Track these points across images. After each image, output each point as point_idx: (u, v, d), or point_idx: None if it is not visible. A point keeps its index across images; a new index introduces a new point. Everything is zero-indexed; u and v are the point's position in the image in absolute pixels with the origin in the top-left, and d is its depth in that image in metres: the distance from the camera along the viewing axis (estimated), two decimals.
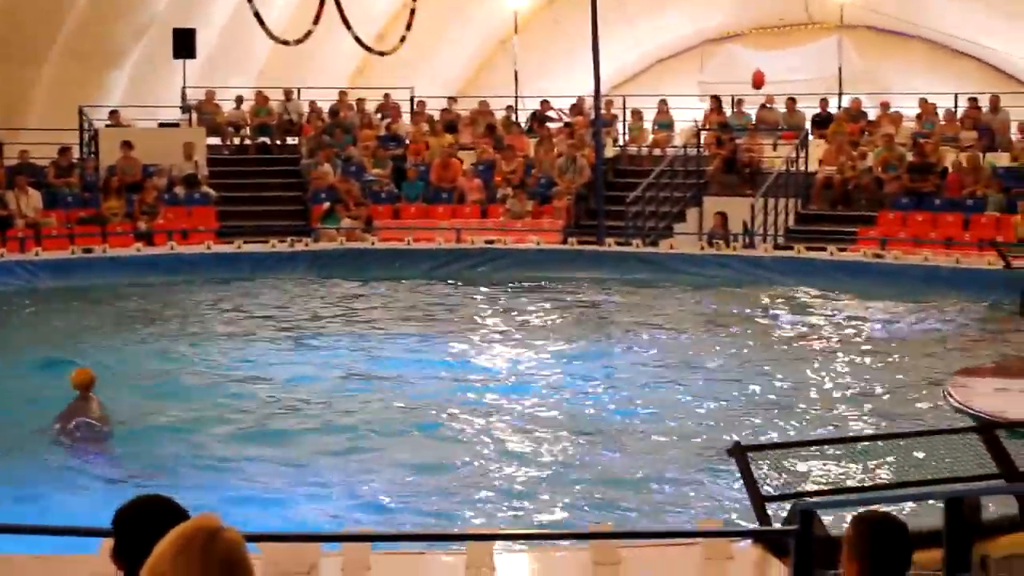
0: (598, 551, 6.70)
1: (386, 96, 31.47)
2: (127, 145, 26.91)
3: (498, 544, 6.89)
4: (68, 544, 6.61)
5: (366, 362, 15.43)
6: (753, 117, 29.97)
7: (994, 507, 7.11)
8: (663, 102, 30.92)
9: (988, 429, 7.89)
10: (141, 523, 4.10)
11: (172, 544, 2.95)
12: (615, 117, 30.88)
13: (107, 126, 28.62)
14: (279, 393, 13.66)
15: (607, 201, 25.81)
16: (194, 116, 30.07)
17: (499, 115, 31.05)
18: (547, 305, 20.56)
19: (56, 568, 6.36)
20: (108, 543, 5.37)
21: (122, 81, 31.72)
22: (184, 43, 29.74)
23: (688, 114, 31.32)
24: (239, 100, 30.75)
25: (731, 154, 27.55)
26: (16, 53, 28.09)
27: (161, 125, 29.69)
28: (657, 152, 29.16)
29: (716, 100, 30.46)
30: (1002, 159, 25.88)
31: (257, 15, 17.82)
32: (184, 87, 30.55)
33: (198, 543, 2.94)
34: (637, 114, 30.68)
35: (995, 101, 27.62)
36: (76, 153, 27.71)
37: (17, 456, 11.05)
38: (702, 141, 28.39)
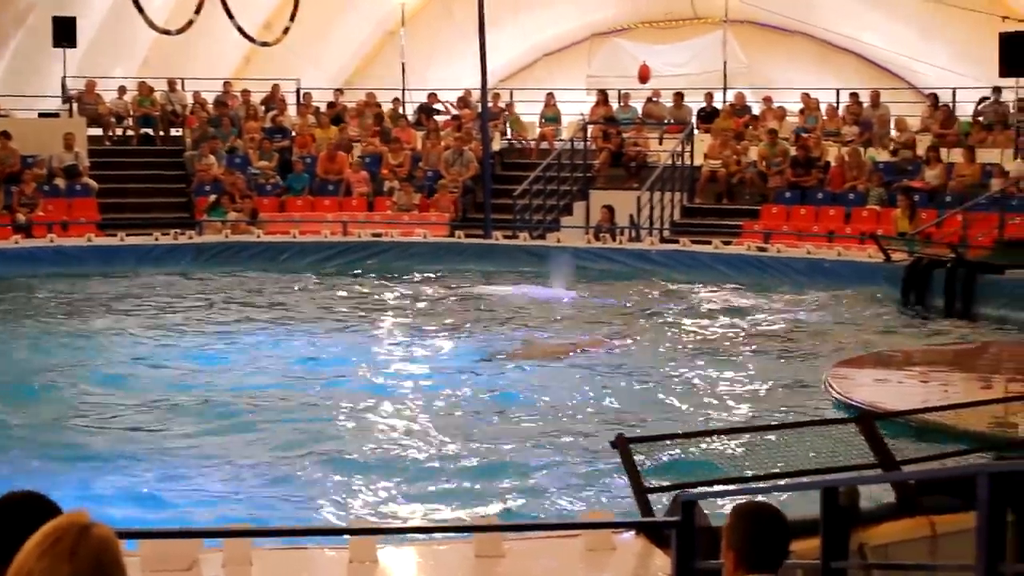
0: (481, 544, 6.70)
1: (273, 88, 31.19)
2: (5, 135, 26.39)
3: (381, 538, 6.86)
4: None
5: (248, 355, 15.28)
6: (639, 111, 30.15)
7: (872, 496, 7.21)
8: (550, 95, 31.01)
9: (866, 419, 8.00)
10: (9, 521, 4.00)
11: (39, 543, 2.88)
12: (502, 110, 30.88)
13: None
14: (156, 388, 13.46)
15: (494, 194, 25.83)
16: (75, 106, 29.57)
17: (386, 107, 30.94)
18: (433, 298, 20.53)
19: None
20: None
21: (0, 69, 31.11)
22: (64, 31, 29.22)
23: (575, 107, 31.45)
24: (122, 90, 30.29)
25: (617, 148, 27.74)
26: None
27: (41, 115, 29.15)
28: (544, 145, 29.24)
29: (603, 94, 30.59)
30: (882, 154, 26.32)
31: (137, 3, 17.54)
32: (64, 76, 30.02)
33: (67, 541, 2.87)
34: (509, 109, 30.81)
35: (875, 96, 28.07)
36: None
37: None
38: (589, 135, 28.51)
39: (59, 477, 9.57)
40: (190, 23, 23.13)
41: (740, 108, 29.62)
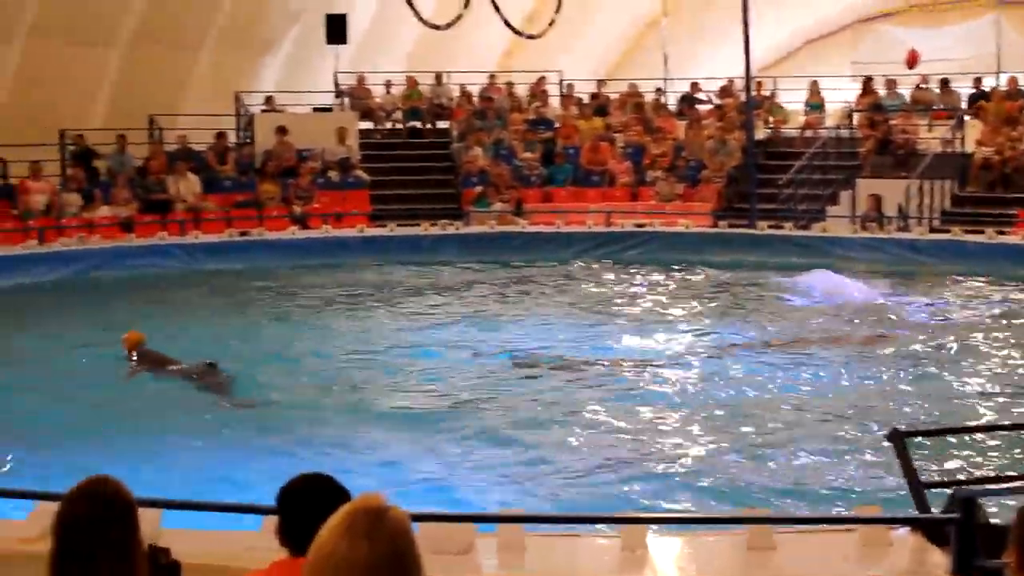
0: (753, 536, 6.67)
1: (538, 80, 31.51)
2: (282, 130, 27.35)
3: (652, 527, 6.90)
4: (227, 520, 6.75)
5: (518, 345, 15.47)
6: (907, 97, 29.40)
7: None
8: (814, 83, 30.53)
9: None
10: (306, 502, 4.20)
11: (339, 523, 2.98)
12: (766, 98, 30.52)
13: (262, 111, 29.13)
14: (431, 375, 13.78)
15: (758, 184, 25.55)
16: (347, 101, 30.45)
17: (648, 97, 30.93)
18: (697, 288, 20.46)
19: (219, 543, 6.51)
20: (271, 521, 5.52)
21: (276, 67, 32.26)
22: (336, 29, 30.12)
23: (839, 95, 30.87)
24: (389, 84, 31.06)
25: (885, 135, 27.08)
26: (174, 39, 28.70)
27: (315, 110, 30.10)
28: (808, 134, 28.77)
29: (869, 80, 29.95)
30: None
31: (408, 0, 17.96)
32: (336, 72, 30.95)
33: (366, 522, 2.97)
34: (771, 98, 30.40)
35: None
36: (232, 138, 28.23)
37: (178, 432, 11.34)
38: (855, 122, 27.94)
39: (336, 459, 9.89)
40: (459, 17, 23.55)
41: (1014, 92, 28.56)
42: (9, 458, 10.07)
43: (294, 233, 24.07)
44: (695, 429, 11.28)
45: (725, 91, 30.96)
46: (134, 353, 14.57)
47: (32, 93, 26.28)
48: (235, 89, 29.08)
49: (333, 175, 26.98)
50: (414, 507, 6.81)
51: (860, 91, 29.83)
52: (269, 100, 29.54)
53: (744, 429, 11.18)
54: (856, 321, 17.09)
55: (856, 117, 28.22)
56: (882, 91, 29.50)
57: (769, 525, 6.78)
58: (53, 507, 5.87)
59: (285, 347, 15.63)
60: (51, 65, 26.34)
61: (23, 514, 6.61)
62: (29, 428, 11.43)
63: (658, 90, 31.60)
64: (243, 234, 23.69)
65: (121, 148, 26.19)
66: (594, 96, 31.42)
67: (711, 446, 10.63)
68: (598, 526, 7.21)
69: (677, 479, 9.67)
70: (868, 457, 9.98)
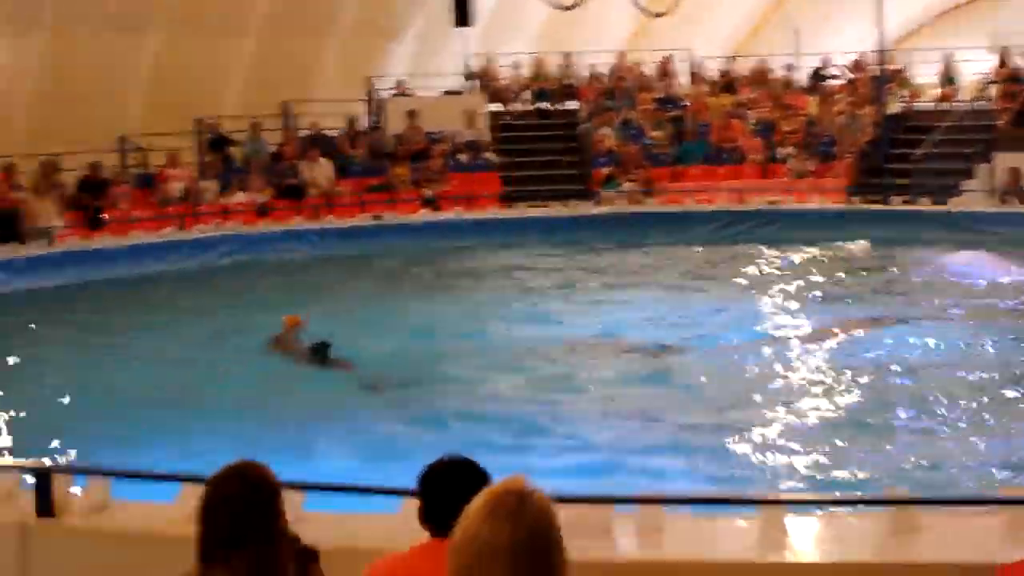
0: (895, 517, 6.59)
1: (665, 58, 31.34)
2: (412, 114, 27.55)
3: (791, 508, 6.85)
4: (365, 503, 6.83)
5: (652, 328, 15.41)
6: None
7: None
8: (949, 55, 29.92)
9: None
10: (448, 485, 4.25)
11: (483, 505, 3.01)
12: (898, 72, 30.00)
13: (392, 95, 29.34)
14: (568, 356, 13.79)
15: (891, 159, 25.15)
16: (475, 83, 30.55)
17: (778, 73, 30.59)
18: (831, 265, 20.22)
19: (358, 526, 6.60)
20: (410, 503, 5.59)
21: (406, 51, 32.47)
22: (463, 11, 30.22)
23: (975, 67, 30.21)
24: (517, 65, 31.10)
25: (1023, 107, 26.47)
26: (304, 25, 29.05)
27: (444, 93, 30.24)
28: (944, 107, 28.22)
29: (1006, 51, 29.27)
30: None
31: None
32: (465, 54, 31.07)
33: (509, 505, 2.99)
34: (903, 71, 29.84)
35: None
36: (364, 123, 28.49)
37: (316, 416, 11.51)
38: (991, 94, 27.35)
39: (474, 440, 9.97)
40: None
41: None
42: (153, 441, 10.29)
43: (425, 216, 24.26)
44: (834, 407, 11.17)
45: (857, 65, 30.50)
46: (290, 334, 15.02)
47: (169, 83, 26.80)
48: (365, 74, 29.35)
49: (463, 157, 27.11)
50: (552, 489, 6.87)
51: (998, 62, 29.17)
52: (399, 84, 29.75)
53: (881, 407, 11.03)
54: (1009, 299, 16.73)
55: (992, 89, 27.60)
56: (1021, 62, 28.80)
57: (913, 506, 6.68)
58: (199, 490, 6.02)
59: (420, 329, 15.75)
60: (187, 55, 26.83)
61: (170, 497, 6.76)
62: (171, 412, 11.67)
63: (788, 66, 31.23)
64: (375, 218, 23.94)
65: (255, 135, 26.60)
66: (723, 73, 31.15)
67: (851, 424, 10.51)
68: (737, 507, 7.16)
69: (818, 458, 9.58)
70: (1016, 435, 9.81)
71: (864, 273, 19.62)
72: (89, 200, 23.33)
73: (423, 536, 4.38)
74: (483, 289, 18.87)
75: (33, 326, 17.15)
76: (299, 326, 15.25)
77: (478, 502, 3.04)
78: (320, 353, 13.82)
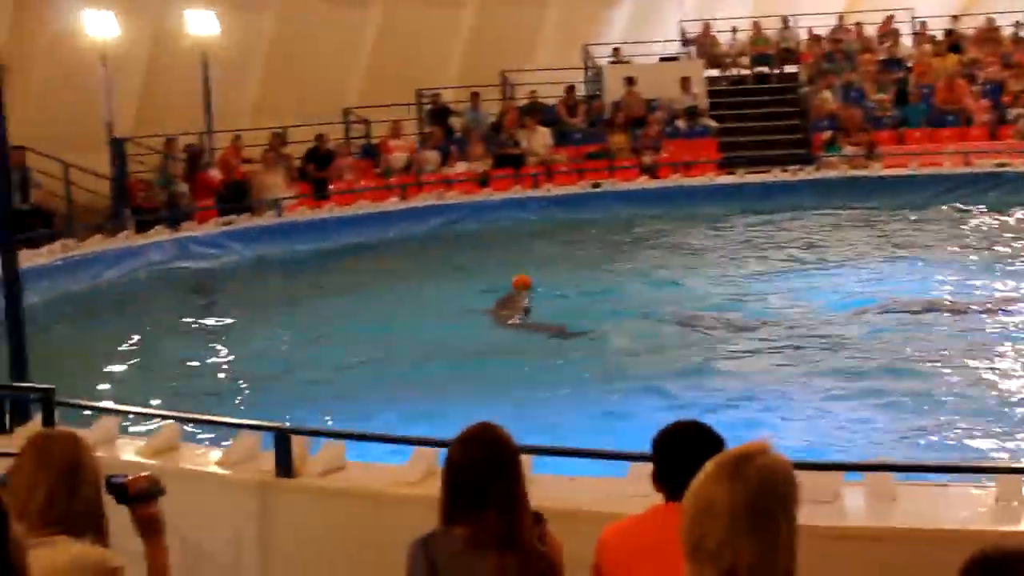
0: None
1: (887, 18, 30.64)
2: (630, 81, 27.52)
3: None
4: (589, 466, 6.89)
5: (876, 290, 15.13)
6: None
7: None
8: None
9: None
10: (682, 448, 4.29)
11: (711, 466, 3.05)
12: None
13: (610, 63, 29.35)
14: (791, 321, 13.65)
15: None
16: (692, 49, 30.35)
17: (1007, 31, 29.62)
18: None
19: (591, 489, 6.66)
20: (639, 467, 5.65)
21: (623, 18, 32.43)
22: None
23: None
24: (734, 31, 30.78)
25: None
26: None
27: (661, 60, 30.12)
28: None
29: None
30: None
31: None
32: (682, 20, 30.88)
33: (734, 465, 3.01)
34: None
35: None
36: (581, 91, 28.58)
37: (535, 380, 11.65)
38: None
39: (703, 406, 9.99)
40: None
41: None
42: (386, 404, 10.55)
43: (645, 183, 24.25)
44: None
45: None
46: (523, 295, 15.49)
47: (390, 54, 27.32)
48: (583, 42, 29.43)
49: (681, 124, 26.99)
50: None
51: None
52: (616, 52, 29.76)
53: None
54: None
55: None
56: None
57: None
58: (430, 452, 6.17)
59: (645, 297, 15.78)
60: (407, 26, 27.30)
61: (399, 459, 6.93)
62: (399, 376, 11.94)
63: (1017, 23, 30.21)
64: (595, 185, 24.01)
65: (474, 105, 26.92)
66: (948, 33, 30.29)
67: None
68: (972, 476, 7.02)
69: None
70: None
71: None
72: (315, 171, 23.96)
73: (648, 500, 4.42)
74: (703, 255, 18.72)
75: (261, 294, 17.74)
76: (528, 287, 15.68)
77: (709, 463, 3.08)
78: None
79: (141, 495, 4.19)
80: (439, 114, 27.01)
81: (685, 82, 27.56)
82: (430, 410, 10.10)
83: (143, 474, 4.29)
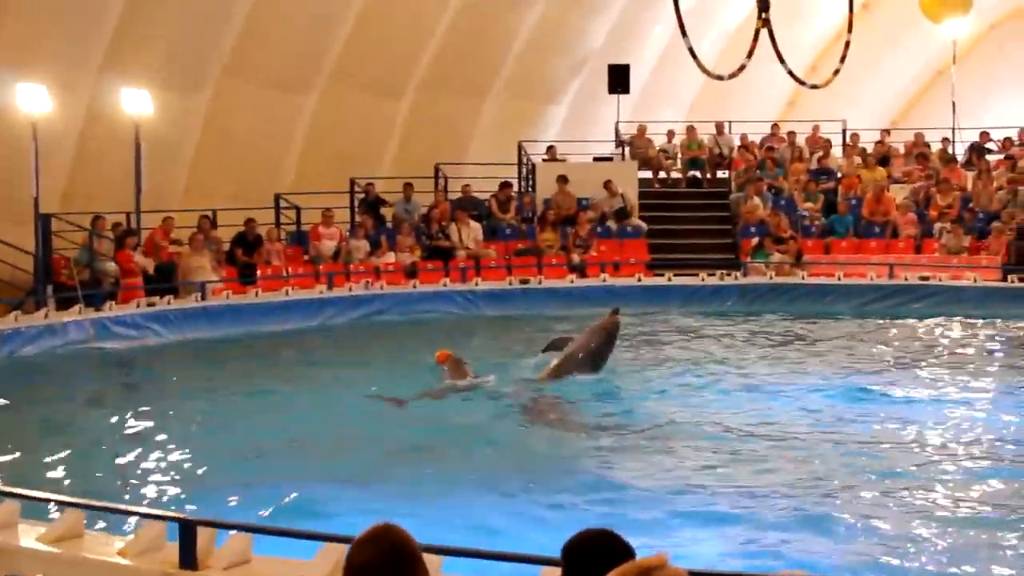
0: None
1: (815, 128, 31.13)
2: (562, 179, 27.68)
3: None
4: (491, 569, 6.81)
5: (792, 402, 15.15)
6: None
7: None
8: None
9: None
10: (590, 559, 4.21)
11: None
12: None
13: (544, 160, 29.55)
14: (717, 429, 13.58)
15: None
16: (627, 150, 30.63)
17: (935, 147, 30.16)
18: (987, 344, 19.80)
19: None
20: (550, 572, 5.56)
21: (559, 116, 32.74)
22: (619, 79, 30.46)
23: None
24: (670, 134, 31.12)
25: None
26: (461, 88, 29.46)
27: (595, 159, 30.37)
28: None
29: None
30: None
31: (691, 51, 17.96)
32: (618, 121, 31.20)
33: None
34: None
35: None
36: (515, 186, 28.72)
37: (460, 472, 11.53)
38: None
39: (617, 512, 9.90)
40: (742, 67, 23.33)
41: None
42: (295, 496, 10.39)
43: (572, 281, 24.31)
44: (991, 497, 10.80)
45: (1017, 140, 29.96)
46: (445, 366, 16.42)
47: (325, 142, 27.36)
48: (518, 138, 29.61)
49: (612, 224, 27.14)
50: (695, 566, 6.78)
51: None
52: (550, 149, 29.97)
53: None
54: None
55: None
56: None
57: None
58: (338, 548, 6.06)
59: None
60: (343, 115, 27.37)
61: (309, 555, 6.81)
62: (314, 467, 11.77)
63: (945, 139, 30.80)
64: (523, 282, 24.06)
65: (407, 196, 26.96)
66: (878, 145, 30.79)
67: (1004, 516, 10.13)
68: None
69: (965, 550, 9.30)
70: None
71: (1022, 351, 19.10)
72: (243, 256, 23.85)
73: None
74: (634, 356, 18.69)
75: (179, 378, 17.52)
76: (450, 359, 16.58)
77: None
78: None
79: None
80: (371, 204, 27.02)
81: (608, 184, 27.67)
82: (342, 505, 9.95)
83: None
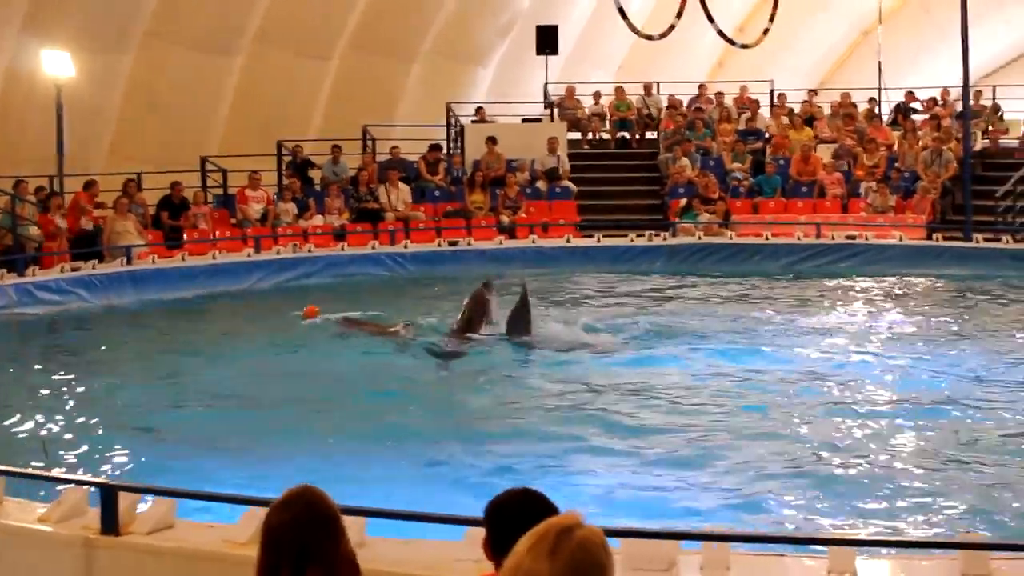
0: (967, 562, 6.44)
1: (742, 88, 31.21)
2: (492, 140, 27.60)
3: (861, 550, 6.72)
4: (427, 529, 6.80)
5: (726, 360, 15.20)
6: None
7: None
8: None
9: None
10: (514, 518, 4.19)
11: (528, 540, 3.02)
12: (984, 108, 29.68)
13: (472, 122, 29.45)
14: (641, 389, 13.62)
15: (974, 195, 24.88)
16: (555, 111, 30.59)
17: (861, 107, 30.35)
18: (910, 303, 20.00)
19: (425, 553, 6.56)
20: (475, 532, 5.55)
21: (487, 78, 32.61)
22: (547, 40, 30.38)
23: None
24: (597, 95, 31.10)
25: None
26: (388, 50, 29.26)
27: (524, 121, 30.31)
28: None
29: None
30: None
31: (621, 10, 17.95)
32: (546, 83, 31.14)
33: (549, 540, 2.98)
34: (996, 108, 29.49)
35: None
36: (443, 148, 28.61)
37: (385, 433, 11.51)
38: None
39: (546, 472, 9.92)
40: (671, 28, 23.37)
41: None
42: (218, 460, 10.32)
43: (501, 243, 24.28)
44: (915, 446, 10.94)
45: (941, 101, 30.22)
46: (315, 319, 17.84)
47: (252, 104, 27.09)
48: (447, 99, 29.48)
49: (541, 185, 27.12)
50: (617, 523, 6.81)
51: None
52: (479, 111, 29.88)
53: (960, 451, 10.81)
54: None
55: None
56: None
57: (984, 552, 6.53)
58: (262, 512, 6.02)
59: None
60: (271, 76, 27.12)
61: (233, 518, 6.77)
62: (236, 431, 11.70)
63: (871, 100, 31.00)
64: (452, 244, 24.00)
65: (335, 158, 26.76)
66: (805, 106, 30.93)
67: (931, 465, 10.28)
68: (806, 547, 7.03)
69: (889, 499, 9.40)
70: None
71: (943, 308, 19.30)
72: (169, 219, 23.62)
73: (482, 565, 4.34)
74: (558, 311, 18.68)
75: (103, 344, 17.35)
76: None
77: (526, 537, 3.04)
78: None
79: None
80: (299, 166, 26.83)
81: (552, 142, 27.66)
82: (267, 468, 9.89)
83: None
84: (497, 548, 4.23)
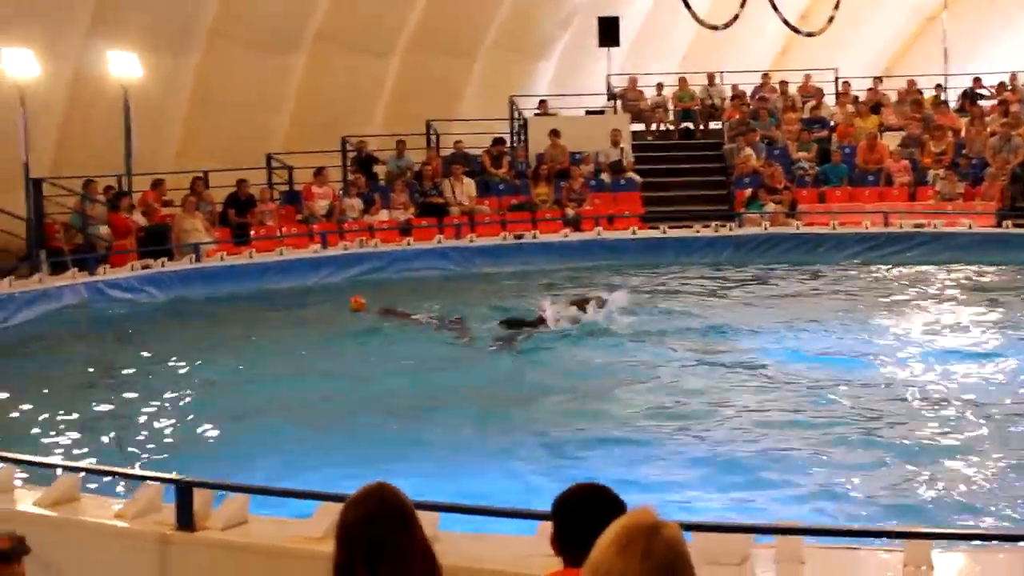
0: None
1: (806, 77, 30.99)
2: (555, 133, 27.58)
3: (937, 543, 6.65)
4: (489, 523, 6.80)
5: (789, 353, 15.10)
6: None
7: None
8: None
9: None
10: (582, 514, 4.19)
11: (614, 541, 2.97)
12: None
13: (536, 115, 29.44)
14: (702, 383, 13.57)
15: None
16: (618, 103, 30.52)
17: (927, 94, 30.04)
18: (982, 290, 19.75)
19: (498, 548, 6.56)
20: (547, 526, 5.54)
21: (549, 70, 32.61)
22: (609, 31, 30.30)
23: None
24: (660, 86, 31.00)
25: None
26: (450, 46, 29.31)
27: (587, 113, 30.25)
28: None
29: None
30: None
31: (686, 1, 17.86)
32: (609, 75, 31.07)
33: (641, 540, 2.95)
34: None
35: None
36: (507, 141, 28.63)
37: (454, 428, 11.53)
38: None
39: (612, 464, 9.90)
40: (736, 17, 23.29)
41: None
42: (293, 456, 10.38)
43: (567, 236, 24.26)
44: (986, 441, 10.78)
45: (1009, 85, 29.86)
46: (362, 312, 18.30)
47: (316, 101, 27.23)
48: (509, 93, 29.49)
49: (605, 177, 27.08)
50: (689, 517, 6.77)
51: None
52: (542, 104, 29.87)
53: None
54: None
55: None
56: None
57: None
58: (336, 508, 6.05)
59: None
60: (334, 73, 27.24)
61: (306, 514, 6.81)
62: (312, 427, 11.76)
63: (938, 86, 30.68)
64: (517, 237, 24.00)
65: (400, 153, 26.86)
66: (871, 93, 30.67)
67: (1002, 460, 10.14)
68: (881, 540, 6.97)
69: (965, 492, 9.29)
70: None
71: (1017, 297, 19.04)
72: (236, 216, 23.79)
73: (553, 560, 4.33)
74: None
75: (175, 340, 17.49)
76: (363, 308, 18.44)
77: (608, 535, 3.01)
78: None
79: (4, 556, 4.03)
80: (363, 162, 26.94)
81: (615, 134, 27.62)
82: (340, 464, 9.94)
83: (4, 535, 4.12)
84: (565, 543, 4.23)
